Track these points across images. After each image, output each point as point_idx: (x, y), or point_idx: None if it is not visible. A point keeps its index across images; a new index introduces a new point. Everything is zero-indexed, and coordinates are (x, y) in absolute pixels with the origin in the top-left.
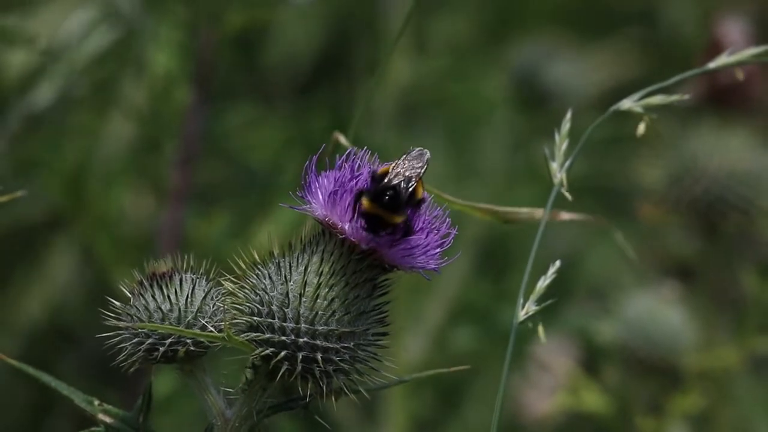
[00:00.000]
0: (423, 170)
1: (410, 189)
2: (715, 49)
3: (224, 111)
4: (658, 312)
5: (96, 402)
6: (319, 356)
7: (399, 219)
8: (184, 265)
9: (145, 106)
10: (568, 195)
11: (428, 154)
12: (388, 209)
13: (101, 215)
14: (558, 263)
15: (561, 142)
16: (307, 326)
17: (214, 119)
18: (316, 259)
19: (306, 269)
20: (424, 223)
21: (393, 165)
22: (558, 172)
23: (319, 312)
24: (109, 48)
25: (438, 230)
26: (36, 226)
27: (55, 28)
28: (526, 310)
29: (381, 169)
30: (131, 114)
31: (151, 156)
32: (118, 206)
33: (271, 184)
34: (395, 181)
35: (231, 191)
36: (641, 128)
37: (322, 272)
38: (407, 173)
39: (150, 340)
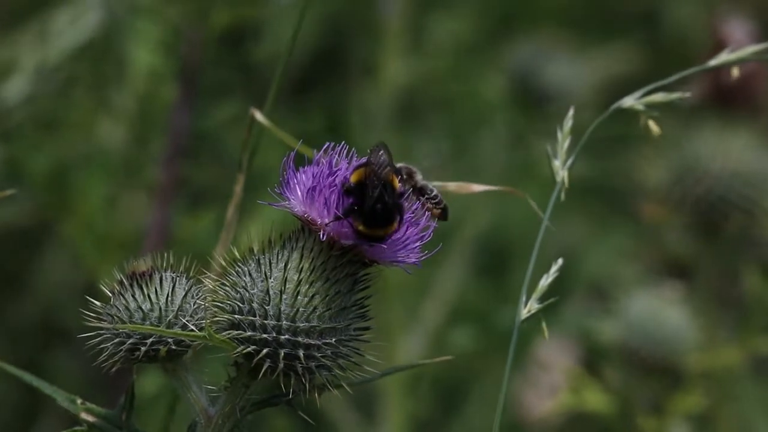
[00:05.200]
0: (390, 163)
1: (395, 194)
2: (720, 50)
3: (212, 109)
4: (660, 311)
5: (79, 401)
6: (300, 353)
7: (395, 225)
8: (165, 264)
9: (130, 103)
10: (562, 195)
11: (383, 146)
12: (384, 226)
13: (85, 215)
14: (560, 261)
15: (563, 140)
16: (288, 323)
17: (202, 117)
18: (296, 255)
19: (286, 266)
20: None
21: (365, 174)
22: (561, 169)
23: (300, 309)
24: (88, 44)
25: (418, 223)
26: (29, 225)
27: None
28: (528, 308)
29: (352, 177)
30: (116, 111)
31: (137, 154)
32: (102, 205)
33: (260, 183)
34: (376, 193)
35: (219, 189)
36: (651, 126)
37: (302, 269)
38: (381, 176)
39: (131, 340)
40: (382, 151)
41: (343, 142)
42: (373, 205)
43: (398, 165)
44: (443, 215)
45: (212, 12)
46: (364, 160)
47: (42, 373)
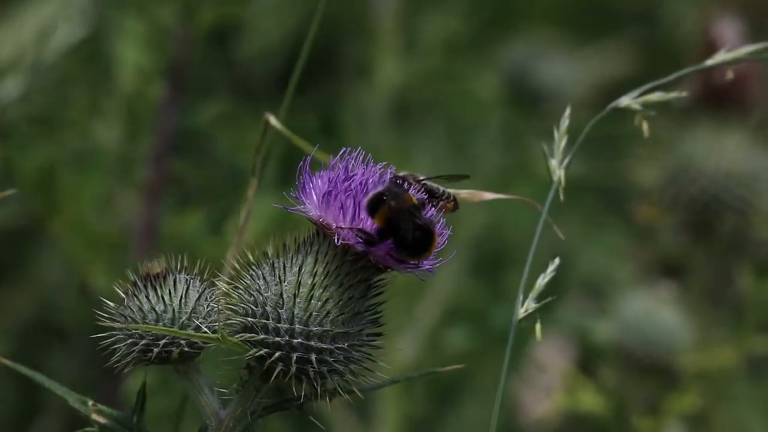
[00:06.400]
0: (399, 187)
1: (421, 211)
2: (711, 50)
3: (200, 107)
4: (654, 311)
5: (90, 402)
6: (313, 357)
7: (437, 238)
8: (179, 266)
9: (118, 102)
10: (561, 194)
11: (388, 171)
12: (430, 245)
13: (75, 214)
14: (557, 261)
15: (560, 139)
16: (301, 327)
17: (190, 115)
18: (310, 259)
19: (300, 270)
20: None
21: (388, 212)
22: (557, 168)
23: (314, 313)
24: (78, 44)
25: None
26: (22, 224)
27: (24, 27)
28: (525, 307)
29: (377, 221)
30: (105, 110)
31: (126, 152)
32: (92, 204)
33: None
34: (410, 225)
35: (209, 188)
36: (644, 127)
37: (316, 273)
38: (404, 206)
39: (144, 341)
40: (387, 181)
41: (339, 143)
42: (413, 236)
43: (401, 173)
44: (455, 206)
45: (199, 10)
46: (377, 191)
47: (37, 371)
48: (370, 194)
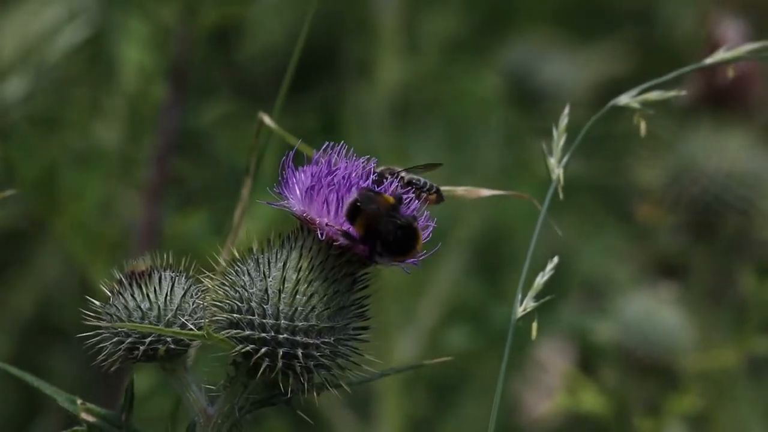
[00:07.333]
0: (372, 191)
1: (399, 209)
2: (714, 50)
3: (203, 107)
4: (655, 312)
5: (79, 401)
6: (299, 352)
7: (421, 234)
8: (163, 263)
9: (121, 102)
10: (560, 192)
11: (371, 161)
12: (415, 242)
13: (76, 214)
14: (556, 259)
15: (559, 138)
16: (286, 322)
17: (192, 115)
18: (294, 254)
19: (285, 265)
20: None
21: (366, 219)
22: (556, 167)
23: (299, 308)
24: (81, 44)
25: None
26: (22, 224)
27: (26, 27)
28: (524, 306)
29: (357, 229)
30: (107, 110)
31: (129, 152)
32: (93, 204)
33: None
34: (390, 227)
35: (211, 188)
36: (642, 125)
37: (300, 268)
38: (381, 210)
39: (130, 339)
40: (360, 188)
41: (339, 142)
42: (394, 237)
43: (378, 170)
44: (439, 198)
45: (202, 10)
46: (351, 199)
47: (37, 371)
48: (346, 204)
